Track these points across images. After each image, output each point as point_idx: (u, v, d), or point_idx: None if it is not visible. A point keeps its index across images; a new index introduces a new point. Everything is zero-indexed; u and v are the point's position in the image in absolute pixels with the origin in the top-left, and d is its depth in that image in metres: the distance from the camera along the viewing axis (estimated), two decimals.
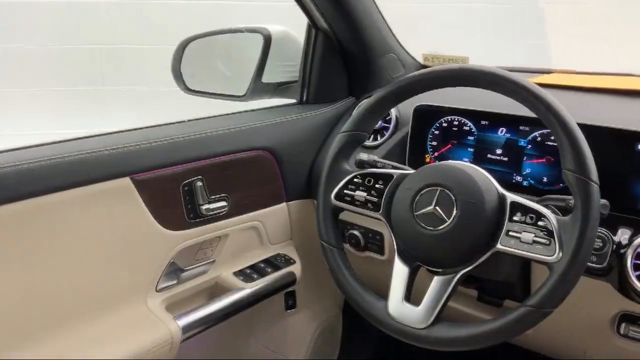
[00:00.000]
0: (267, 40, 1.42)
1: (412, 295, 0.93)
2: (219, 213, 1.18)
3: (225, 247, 1.25)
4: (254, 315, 1.35)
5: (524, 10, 3.67)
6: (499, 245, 0.85)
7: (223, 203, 1.18)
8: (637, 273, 0.91)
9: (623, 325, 1.01)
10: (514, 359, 1.71)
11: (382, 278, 1.07)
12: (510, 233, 0.85)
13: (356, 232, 1.29)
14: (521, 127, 1.11)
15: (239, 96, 1.46)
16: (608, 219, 0.89)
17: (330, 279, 1.02)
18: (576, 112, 0.85)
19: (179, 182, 1.11)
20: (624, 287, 0.94)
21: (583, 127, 0.83)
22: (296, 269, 1.34)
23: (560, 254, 0.80)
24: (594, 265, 0.94)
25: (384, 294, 0.95)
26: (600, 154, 0.83)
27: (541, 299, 0.81)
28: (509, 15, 3.66)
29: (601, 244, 0.94)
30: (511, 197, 0.88)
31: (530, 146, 1.10)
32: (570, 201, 0.85)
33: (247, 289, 1.23)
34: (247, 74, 1.44)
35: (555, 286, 0.80)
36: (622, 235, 0.95)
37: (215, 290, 1.24)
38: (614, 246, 0.94)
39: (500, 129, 1.13)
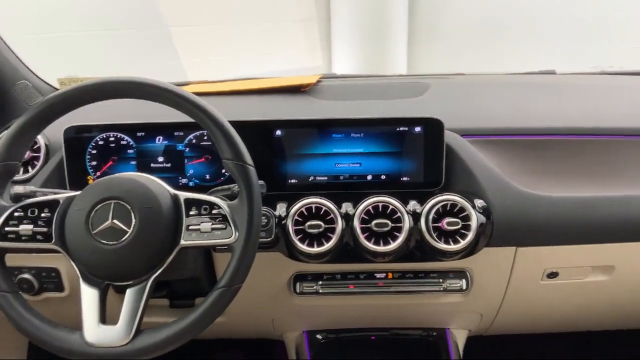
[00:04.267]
0: None
1: (106, 316, 0.90)
2: None
3: None
4: None
5: (154, 35, 3.81)
6: (182, 242, 0.90)
7: None
8: (299, 237, 1.07)
9: (298, 284, 1.18)
10: (211, 352, 1.80)
11: (69, 315, 1.00)
12: (190, 227, 0.90)
13: (27, 276, 1.16)
14: (176, 133, 1.17)
15: None
16: (267, 199, 1.03)
17: (6, 332, 0.90)
18: (222, 112, 0.94)
19: None
20: (292, 252, 1.10)
21: (232, 122, 0.93)
22: None
23: (237, 234, 0.89)
24: (264, 239, 1.07)
25: (77, 328, 0.89)
26: (250, 144, 0.94)
27: (230, 278, 0.88)
28: (139, 40, 3.74)
29: (266, 220, 1.08)
30: (183, 194, 0.93)
31: (188, 149, 1.17)
32: (235, 188, 0.96)
33: None
34: None
35: (239, 263, 0.88)
36: (281, 209, 1.11)
37: None
38: (277, 220, 1.09)
39: (158, 137, 1.17)
